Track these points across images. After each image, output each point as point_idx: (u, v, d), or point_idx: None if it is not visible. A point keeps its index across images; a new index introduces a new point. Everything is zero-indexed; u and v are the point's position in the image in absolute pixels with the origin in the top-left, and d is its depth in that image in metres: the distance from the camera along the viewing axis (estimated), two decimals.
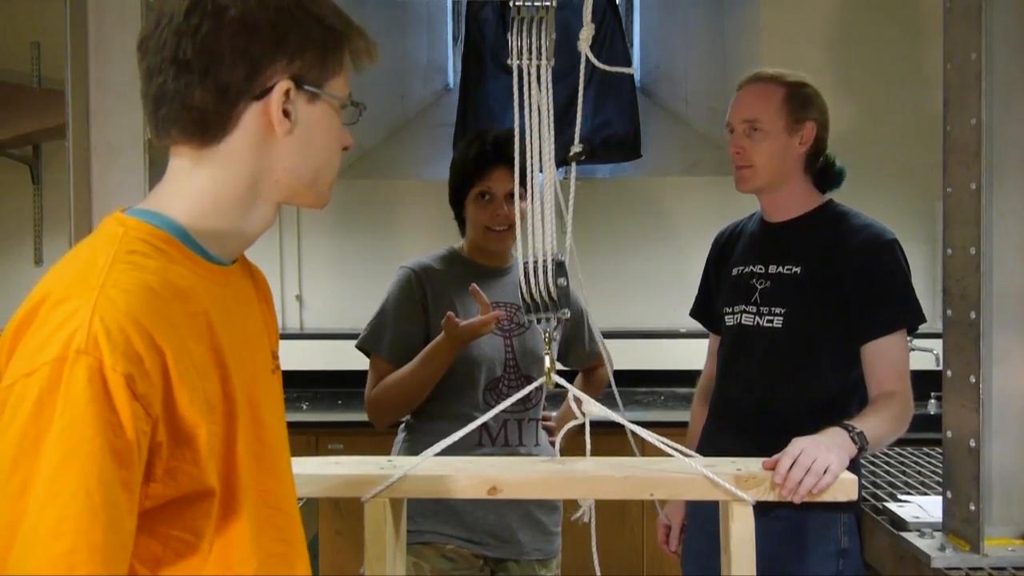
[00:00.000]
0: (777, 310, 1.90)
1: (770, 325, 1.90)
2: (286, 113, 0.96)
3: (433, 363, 1.98)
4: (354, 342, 2.13)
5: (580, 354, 2.27)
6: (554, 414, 2.20)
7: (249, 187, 0.98)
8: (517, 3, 1.56)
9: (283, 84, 0.95)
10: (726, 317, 2.01)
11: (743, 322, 1.95)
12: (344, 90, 1.02)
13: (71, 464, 0.77)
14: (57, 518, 0.76)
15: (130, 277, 0.86)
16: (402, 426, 2.16)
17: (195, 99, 0.93)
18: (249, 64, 0.94)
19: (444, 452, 1.57)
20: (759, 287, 1.94)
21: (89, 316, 0.81)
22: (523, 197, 1.60)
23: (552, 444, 1.99)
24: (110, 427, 0.79)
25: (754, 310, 1.94)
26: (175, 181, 0.98)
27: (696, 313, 2.20)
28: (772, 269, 1.94)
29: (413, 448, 1.97)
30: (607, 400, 1.74)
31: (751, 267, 1.98)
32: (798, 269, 1.90)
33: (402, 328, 2.05)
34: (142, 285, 0.86)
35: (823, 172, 1.97)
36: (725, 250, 2.10)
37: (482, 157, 2.06)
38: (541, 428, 2.12)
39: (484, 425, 1.73)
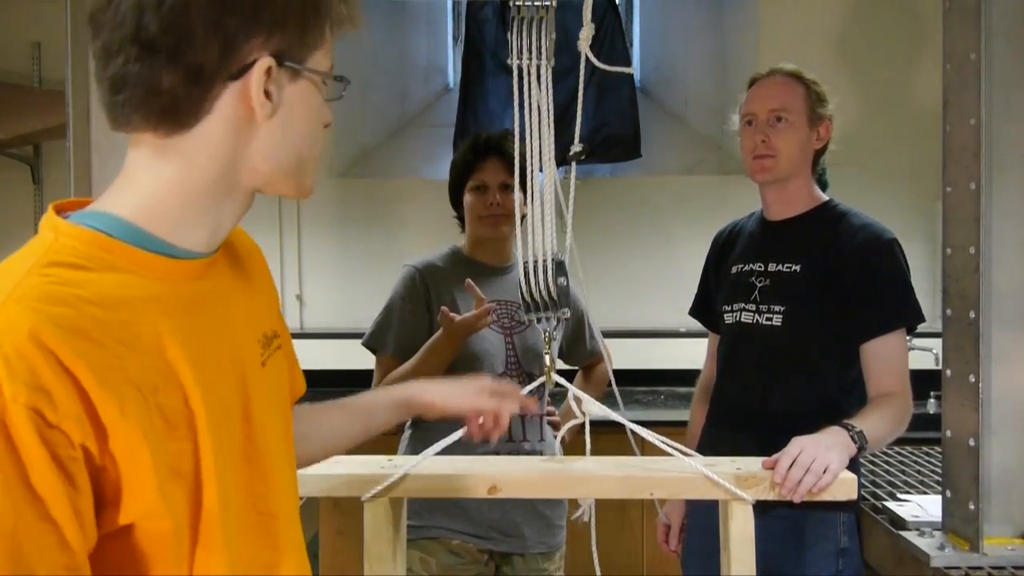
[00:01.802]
0: (776, 308, 1.90)
1: (769, 323, 1.91)
2: (267, 94, 0.86)
3: (433, 359, 2.00)
4: (355, 341, 2.14)
5: (581, 352, 2.32)
6: (557, 411, 2.21)
7: (221, 176, 0.88)
8: (517, 3, 1.56)
9: (264, 62, 0.84)
10: (725, 315, 2.01)
11: (742, 320, 1.96)
12: (326, 63, 0.91)
13: None
14: None
15: (39, 292, 0.76)
16: (408, 423, 2.17)
17: (162, 83, 0.82)
18: (224, 40, 0.82)
19: (449, 449, 1.57)
20: (759, 285, 1.95)
21: None
22: (523, 196, 1.61)
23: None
24: (14, 464, 0.71)
25: (753, 308, 1.94)
26: (133, 174, 0.87)
27: (695, 312, 2.20)
28: (772, 267, 1.94)
29: (418, 445, 2.00)
30: (607, 400, 1.74)
31: (751, 265, 1.98)
32: (797, 267, 1.90)
33: (406, 326, 2.08)
34: (54, 300, 0.76)
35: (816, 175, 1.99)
36: (724, 249, 2.10)
37: (475, 151, 2.13)
38: (546, 424, 2.15)
39: None
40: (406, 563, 2.02)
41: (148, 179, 0.87)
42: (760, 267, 1.96)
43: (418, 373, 2.01)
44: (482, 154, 2.12)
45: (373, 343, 2.13)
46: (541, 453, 2.09)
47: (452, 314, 1.94)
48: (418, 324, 2.08)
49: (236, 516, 0.89)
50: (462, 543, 2.05)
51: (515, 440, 2.08)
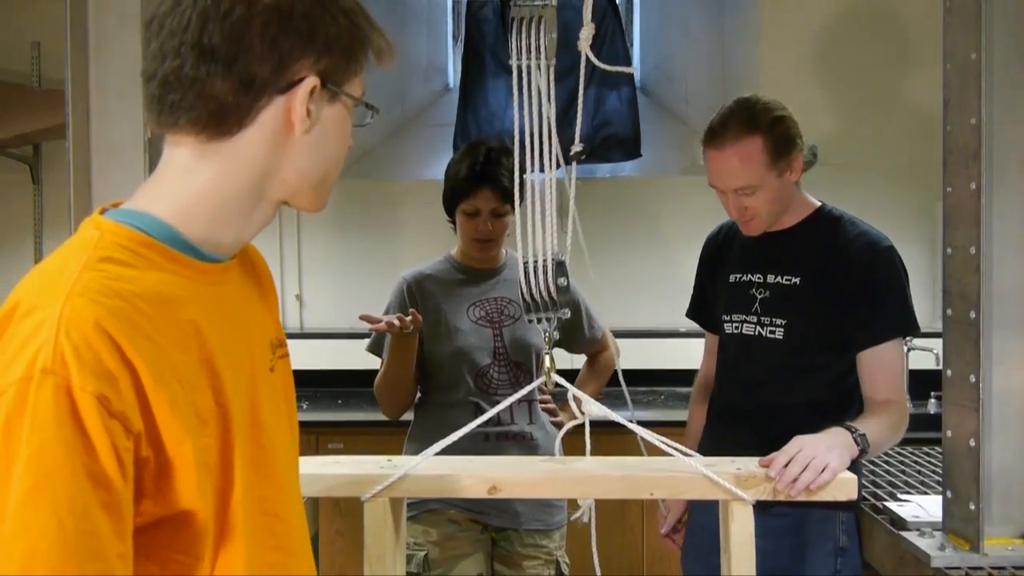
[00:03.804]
0: (778, 321, 1.90)
1: (772, 336, 1.90)
2: (307, 111, 0.91)
3: (392, 360, 2.14)
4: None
5: (580, 340, 2.36)
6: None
7: (254, 185, 0.92)
8: (517, 3, 1.56)
9: (311, 81, 0.90)
10: (725, 324, 2.00)
11: (744, 332, 1.95)
12: (359, 90, 0.97)
13: (41, 494, 0.73)
14: (27, 553, 0.72)
15: (99, 285, 0.80)
16: (413, 415, 2.30)
17: (215, 89, 0.87)
18: (279, 56, 0.88)
19: (442, 438, 1.61)
20: (759, 296, 1.94)
21: (55, 330, 0.76)
22: (522, 198, 1.61)
23: (557, 426, 2.08)
24: (83, 450, 0.74)
25: (755, 320, 1.93)
26: (171, 175, 0.91)
27: (692, 314, 2.19)
28: (770, 279, 1.93)
29: (417, 436, 2.19)
30: (611, 399, 1.74)
31: (749, 276, 1.97)
32: (797, 280, 1.89)
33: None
34: (112, 294, 0.80)
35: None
36: (720, 251, 2.09)
37: (471, 178, 2.16)
38: (540, 409, 2.22)
39: (478, 407, 1.88)
40: (410, 537, 2.10)
41: (184, 181, 0.91)
42: (759, 278, 1.95)
43: (389, 373, 2.17)
44: (477, 182, 2.15)
45: (373, 348, 2.28)
46: (532, 436, 2.17)
47: (371, 322, 2.04)
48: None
49: (246, 517, 0.91)
50: (458, 513, 2.14)
51: (503, 424, 2.15)
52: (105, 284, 0.81)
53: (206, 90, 0.87)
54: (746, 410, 1.95)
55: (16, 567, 0.72)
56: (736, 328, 1.97)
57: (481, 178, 2.14)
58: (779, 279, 1.92)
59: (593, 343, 2.37)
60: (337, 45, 0.92)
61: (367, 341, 2.29)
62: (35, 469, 0.73)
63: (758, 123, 1.81)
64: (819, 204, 1.96)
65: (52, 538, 0.72)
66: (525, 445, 2.16)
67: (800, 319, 1.88)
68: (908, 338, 1.92)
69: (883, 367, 1.83)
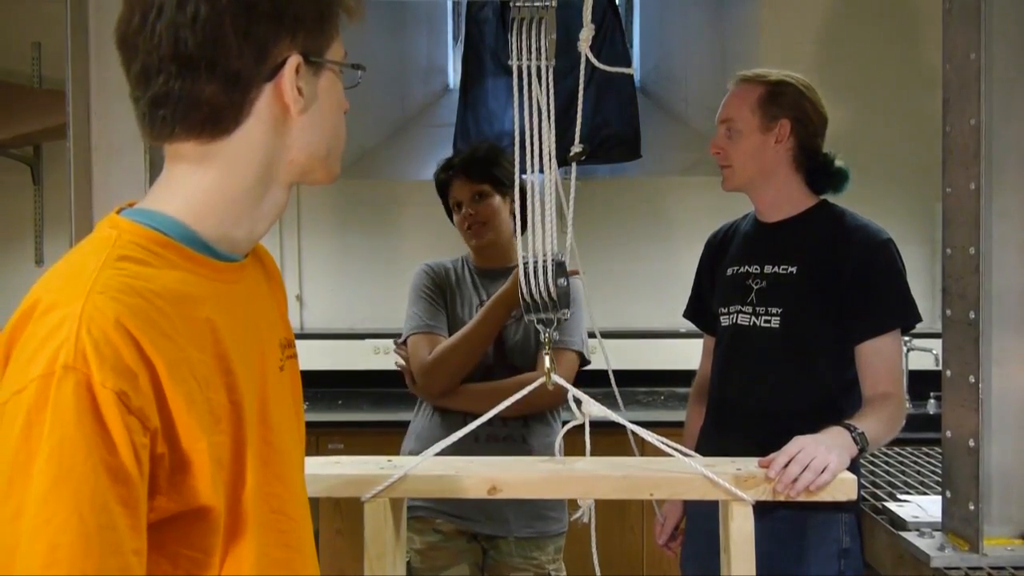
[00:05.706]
0: (774, 310, 1.90)
1: (767, 325, 1.90)
2: (299, 90, 0.91)
3: (491, 318, 2.09)
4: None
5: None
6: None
7: (262, 174, 0.93)
8: (517, 3, 1.56)
9: (294, 59, 0.90)
10: (722, 317, 2.00)
11: (739, 322, 1.95)
12: (341, 53, 0.97)
13: (62, 488, 0.74)
14: (49, 547, 0.73)
15: (118, 283, 0.81)
16: (413, 415, 2.28)
17: (205, 95, 0.87)
18: (256, 46, 0.88)
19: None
20: (755, 287, 1.94)
21: (76, 327, 0.77)
22: (523, 200, 1.62)
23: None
24: (103, 445, 0.75)
25: (750, 310, 1.93)
26: (178, 178, 0.92)
27: (690, 314, 2.19)
28: (768, 269, 1.93)
29: (415, 436, 2.18)
30: (609, 400, 1.74)
31: (746, 267, 1.97)
32: (793, 269, 1.90)
33: (436, 304, 2.22)
34: (132, 292, 0.81)
35: (820, 171, 1.95)
36: (719, 251, 2.09)
37: (444, 177, 2.29)
38: (535, 413, 2.19)
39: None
40: None
41: (192, 185, 0.91)
42: (756, 269, 1.95)
43: (480, 330, 2.10)
44: (451, 175, 2.26)
45: (415, 329, 2.19)
46: (524, 439, 2.13)
47: None
48: (442, 303, 2.23)
49: (255, 513, 0.92)
50: (445, 522, 2.12)
51: (493, 425, 2.04)
52: (124, 282, 0.82)
53: (195, 98, 0.87)
54: (743, 410, 1.94)
55: (39, 561, 0.73)
56: (731, 319, 1.97)
57: (451, 173, 2.26)
58: (776, 269, 1.92)
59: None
60: (308, 16, 0.91)
61: (387, 342, 2.24)
62: (56, 464, 0.74)
63: (767, 78, 1.94)
64: (822, 200, 1.97)
65: (73, 532, 0.73)
66: (516, 448, 2.12)
67: (797, 308, 1.88)
68: (910, 334, 1.91)
69: (882, 359, 1.83)
